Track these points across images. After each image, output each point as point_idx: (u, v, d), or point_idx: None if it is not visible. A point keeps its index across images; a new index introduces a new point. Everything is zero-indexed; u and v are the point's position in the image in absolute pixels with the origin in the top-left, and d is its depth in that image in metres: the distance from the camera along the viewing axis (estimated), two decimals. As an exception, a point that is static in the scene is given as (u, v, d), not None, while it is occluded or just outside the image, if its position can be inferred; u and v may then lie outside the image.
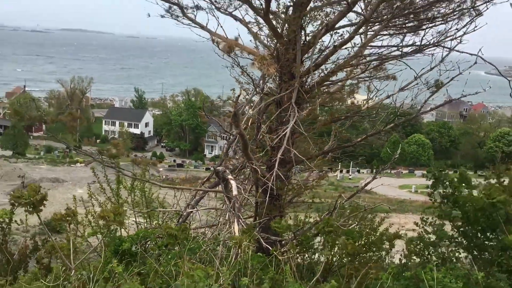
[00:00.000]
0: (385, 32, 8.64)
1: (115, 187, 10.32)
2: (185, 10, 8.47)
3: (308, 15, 8.31)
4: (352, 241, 6.03)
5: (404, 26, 8.54)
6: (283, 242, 7.63)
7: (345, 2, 7.77)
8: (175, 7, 8.57)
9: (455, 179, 7.05)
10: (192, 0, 8.38)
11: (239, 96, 8.23)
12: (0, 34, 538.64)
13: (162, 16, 8.78)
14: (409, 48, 8.44)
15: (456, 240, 6.90)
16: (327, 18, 8.41)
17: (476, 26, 8.01)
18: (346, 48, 8.60)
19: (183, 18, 8.70)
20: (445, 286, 4.89)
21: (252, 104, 9.07)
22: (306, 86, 8.37)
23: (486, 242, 6.61)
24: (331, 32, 8.28)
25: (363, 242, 8.11)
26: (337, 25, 8.18)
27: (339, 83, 9.38)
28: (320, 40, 8.36)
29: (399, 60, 8.69)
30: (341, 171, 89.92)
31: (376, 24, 8.43)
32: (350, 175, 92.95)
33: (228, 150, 9.40)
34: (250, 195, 8.65)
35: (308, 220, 9.10)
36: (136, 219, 9.70)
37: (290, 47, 8.06)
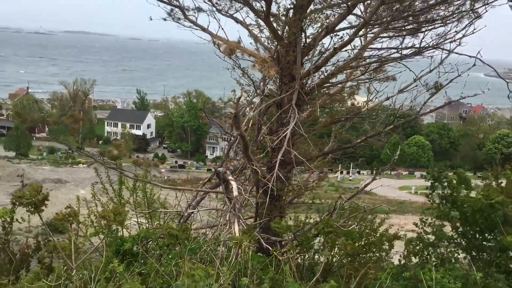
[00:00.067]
0: (384, 34, 8.65)
1: (117, 188, 10.34)
2: (186, 12, 8.49)
3: (309, 18, 8.32)
4: (352, 241, 6.03)
5: (403, 28, 8.56)
6: (283, 243, 7.63)
7: (345, 4, 7.78)
8: (176, 9, 8.60)
9: (454, 180, 7.04)
10: (193, 2, 8.39)
11: (240, 97, 8.24)
12: (3, 36, 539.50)
13: (164, 19, 8.80)
14: (409, 50, 8.45)
15: (455, 241, 6.90)
16: (327, 21, 8.42)
17: (475, 29, 8.02)
18: (346, 50, 8.61)
19: (185, 21, 8.72)
20: (443, 286, 4.89)
21: (252, 106, 9.07)
22: (306, 88, 8.38)
23: (485, 243, 6.60)
24: (331, 34, 8.29)
25: (363, 243, 8.11)
26: (337, 28, 8.20)
27: (339, 85, 9.38)
28: (320, 42, 8.38)
29: (399, 62, 8.70)
30: (341, 172, 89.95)
31: (376, 26, 8.44)
32: (351, 176, 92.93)
33: (229, 151, 9.41)
34: (250, 196, 8.65)
35: (309, 221, 9.10)
36: (138, 219, 9.72)
37: (290, 49, 8.07)
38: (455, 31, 8.09)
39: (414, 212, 48.98)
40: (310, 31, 8.44)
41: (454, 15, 8.07)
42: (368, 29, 8.61)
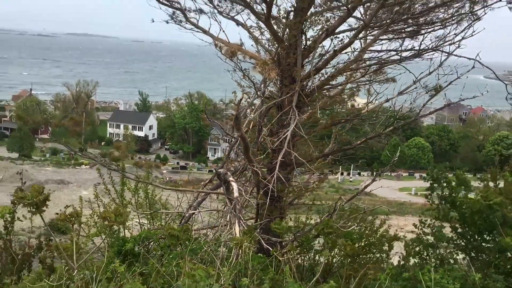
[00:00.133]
0: (384, 37, 8.65)
1: (119, 189, 10.35)
2: (188, 14, 8.50)
3: (309, 20, 8.33)
4: (352, 242, 6.03)
5: (403, 31, 8.56)
6: (283, 243, 7.63)
7: (345, 7, 7.80)
8: (178, 12, 8.61)
9: (453, 181, 7.04)
10: (194, 4, 8.41)
11: (241, 99, 8.26)
12: (7, 38, 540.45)
13: (167, 22, 8.82)
14: (408, 52, 8.45)
15: (454, 242, 6.89)
16: (327, 23, 8.43)
17: (474, 31, 8.02)
18: (346, 53, 8.62)
19: (186, 23, 8.73)
20: (442, 287, 4.88)
21: (253, 108, 9.08)
22: (306, 90, 8.38)
23: (483, 244, 6.60)
24: (331, 37, 8.30)
25: (363, 244, 8.11)
26: (337, 30, 8.21)
27: (339, 87, 9.39)
28: (321, 45, 8.39)
29: (399, 64, 8.70)
30: (342, 174, 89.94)
31: (376, 28, 8.44)
32: (351, 178, 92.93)
33: (230, 153, 9.41)
34: (251, 197, 8.65)
35: (309, 222, 9.10)
36: (140, 220, 9.73)
37: (291, 51, 8.08)
38: (455, 34, 8.09)
39: (414, 213, 48.99)
40: (310, 33, 8.46)
41: (453, 18, 8.07)
42: (368, 32, 8.61)
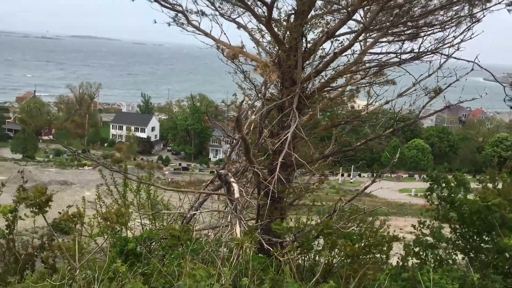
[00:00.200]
0: (384, 39, 8.65)
1: (121, 190, 10.36)
2: (189, 16, 8.52)
3: (309, 23, 8.34)
4: (351, 243, 6.03)
5: (403, 33, 8.56)
6: (284, 244, 7.63)
7: (345, 10, 7.80)
8: (180, 15, 8.63)
9: (452, 182, 7.05)
10: (195, 6, 8.42)
11: (242, 101, 8.27)
12: (11, 40, 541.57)
13: (169, 24, 8.84)
14: (408, 55, 8.45)
15: (454, 242, 6.89)
16: (328, 26, 8.44)
17: (473, 33, 8.02)
18: (346, 55, 8.62)
19: (188, 26, 8.75)
20: (441, 287, 4.88)
21: (254, 109, 9.09)
22: (307, 92, 8.38)
23: (482, 245, 6.59)
24: (332, 39, 8.31)
25: (362, 244, 8.10)
26: (337, 33, 8.21)
27: (340, 89, 9.39)
28: (321, 47, 8.39)
29: (398, 66, 8.70)
30: (342, 175, 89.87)
31: (375, 31, 8.45)
32: (351, 179, 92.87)
33: (231, 154, 9.42)
34: (252, 197, 8.65)
35: (309, 223, 9.10)
36: (142, 220, 9.73)
37: (291, 54, 8.09)
38: (453, 36, 8.09)
39: (414, 214, 48.94)
40: (310, 36, 8.47)
41: (452, 20, 8.07)
42: (368, 34, 8.62)
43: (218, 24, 8.62)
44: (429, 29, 8.22)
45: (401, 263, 6.97)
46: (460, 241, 6.81)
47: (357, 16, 8.13)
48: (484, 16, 7.82)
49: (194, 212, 8.39)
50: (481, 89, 8.34)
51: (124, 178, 9.78)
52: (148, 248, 6.47)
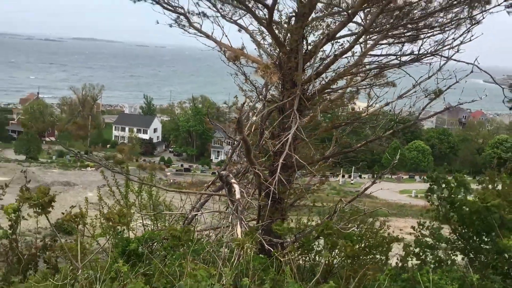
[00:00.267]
0: (384, 41, 8.66)
1: (123, 191, 10.36)
2: (191, 18, 8.54)
3: (310, 25, 8.35)
4: (351, 243, 6.03)
5: (402, 35, 8.57)
6: (284, 244, 7.63)
7: (345, 13, 7.81)
8: (182, 17, 8.65)
9: (452, 182, 7.05)
10: (196, 8, 8.44)
11: (244, 103, 8.27)
12: (15, 43, 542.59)
13: (170, 25, 8.86)
14: (408, 57, 8.46)
15: (453, 243, 6.89)
16: (328, 28, 8.45)
17: (472, 35, 8.02)
18: (346, 57, 8.64)
19: (190, 28, 8.77)
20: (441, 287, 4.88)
21: (255, 111, 9.10)
22: (307, 94, 8.39)
23: (482, 245, 6.59)
24: (332, 41, 8.32)
25: (363, 245, 8.10)
26: (337, 35, 8.23)
27: (340, 91, 9.39)
28: (321, 49, 8.41)
29: (398, 68, 8.71)
30: (343, 176, 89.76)
31: (376, 33, 8.46)
32: (352, 180, 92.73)
33: (232, 155, 9.43)
34: (253, 198, 8.65)
35: (310, 223, 9.10)
36: (144, 221, 9.73)
37: (292, 56, 8.10)
38: (453, 38, 8.10)
39: (414, 215, 48.77)
40: (311, 38, 8.48)
41: (452, 22, 8.07)
42: (368, 36, 8.62)
43: (220, 26, 8.64)
44: (429, 31, 8.23)
45: (400, 264, 6.96)
46: (460, 242, 6.81)
47: (357, 19, 8.15)
48: (483, 18, 7.83)
49: (196, 213, 8.40)
50: (481, 91, 8.33)
51: (125, 179, 9.79)
52: (150, 249, 6.47)
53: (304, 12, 7.96)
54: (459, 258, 6.93)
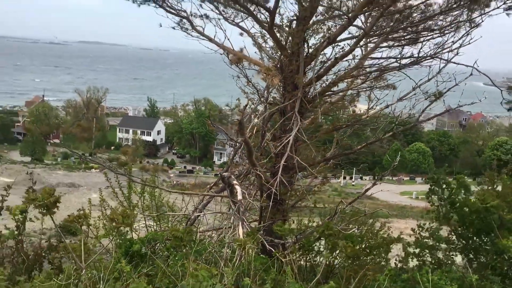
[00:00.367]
0: (384, 44, 8.67)
1: (126, 192, 10.38)
2: (193, 20, 8.56)
3: (311, 29, 8.37)
4: (352, 244, 6.02)
5: (402, 38, 8.57)
6: (286, 245, 7.63)
7: (346, 16, 7.82)
8: (184, 20, 8.68)
9: (452, 183, 7.05)
10: (198, 10, 8.47)
11: (246, 105, 8.29)
12: (21, 46, 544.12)
13: (173, 28, 8.88)
14: (408, 59, 8.46)
15: (453, 243, 6.87)
16: (329, 32, 8.47)
17: (471, 38, 8.02)
18: (347, 60, 8.65)
19: (192, 31, 8.79)
20: (440, 288, 4.87)
21: (257, 113, 9.11)
22: (308, 96, 8.40)
23: (482, 244, 6.58)
24: (333, 44, 8.33)
25: (363, 246, 8.08)
26: (338, 38, 8.23)
27: (341, 93, 9.40)
28: (322, 52, 8.41)
29: (398, 71, 8.71)
30: (344, 178, 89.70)
31: (376, 36, 8.46)
32: (353, 182, 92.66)
33: (234, 157, 9.44)
34: (254, 199, 8.66)
35: (311, 224, 9.09)
36: (147, 222, 9.74)
37: (293, 58, 8.11)
38: (452, 41, 8.10)
39: (415, 216, 48.67)
40: (312, 41, 8.50)
41: (452, 25, 8.07)
42: (368, 40, 8.63)
43: (222, 29, 8.66)
44: (429, 34, 8.23)
45: (400, 265, 6.96)
46: (459, 242, 6.80)
47: (358, 22, 8.16)
48: (482, 21, 7.83)
49: (198, 214, 8.40)
50: (481, 94, 8.33)
51: (128, 181, 9.81)
52: (153, 249, 6.48)
53: (305, 16, 7.97)
54: (458, 258, 6.92)
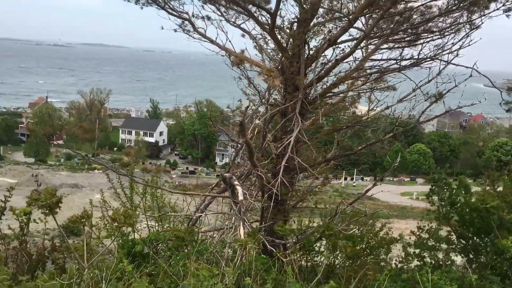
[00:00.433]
0: (384, 46, 8.66)
1: (129, 193, 10.38)
2: (195, 22, 8.57)
3: (312, 31, 8.37)
4: (352, 244, 6.02)
5: (403, 40, 8.57)
6: (286, 245, 7.63)
7: (346, 18, 7.82)
8: (186, 22, 8.69)
9: (453, 184, 7.04)
10: (200, 12, 8.48)
11: (248, 107, 8.29)
12: (25, 48, 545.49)
13: (175, 30, 8.90)
14: (408, 61, 8.46)
15: (453, 243, 6.86)
16: (330, 34, 8.47)
17: (471, 40, 8.02)
18: (347, 62, 8.65)
19: (194, 33, 8.80)
20: (440, 288, 4.86)
21: (258, 115, 9.11)
22: (309, 98, 8.40)
23: (482, 244, 6.57)
24: (333, 46, 8.33)
25: (363, 246, 8.08)
26: (339, 40, 8.24)
27: (341, 95, 9.40)
28: (323, 54, 8.42)
29: (399, 72, 8.70)
30: (345, 179, 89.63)
31: (376, 38, 8.46)
32: (354, 183, 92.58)
33: (235, 158, 9.44)
34: (255, 200, 8.66)
35: (312, 225, 9.08)
36: (148, 222, 9.75)
37: (294, 60, 8.11)
38: (452, 43, 8.09)
39: (415, 217, 48.66)
40: (313, 43, 8.51)
41: (452, 27, 8.07)
42: (368, 41, 8.63)
43: (224, 31, 8.67)
44: (429, 36, 8.22)
45: (399, 265, 6.95)
46: (459, 242, 6.79)
47: (358, 24, 8.17)
48: (482, 22, 7.82)
49: (200, 214, 8.41)
50: (481, 95, 8.32)
51: (130, 182, 9.81)
52: (155, 249, 6.48)
53: (306, 18, 7.98)
54: (458, 259, 6.91)
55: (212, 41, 8.73)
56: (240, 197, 7.00)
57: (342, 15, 8.16)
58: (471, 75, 7.84)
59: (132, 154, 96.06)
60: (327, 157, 9.48)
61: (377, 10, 7.72)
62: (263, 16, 8.19)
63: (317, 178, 10.01)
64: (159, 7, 8.35)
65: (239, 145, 9.15)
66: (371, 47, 8.69)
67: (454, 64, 8.20)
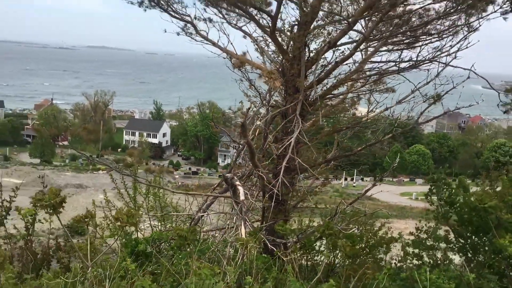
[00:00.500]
0: (384, 48, 8.67)
1: (132, 193, 10.39)
2: (197, 24, 8.60)
3: (312, 33, 8.38)
4: (352, 244, 6.02)
5: (401, 42, 8.58)
6: (287, 245, 7.63)
7: (346, 21, 7.83)
8: (189, 25, 8.71)
9: (452, 184, 7.04)
10: (202, 14, 8.50)
11: (249, 108, 8.30)
12: (31, 51, 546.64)
13: (178, 34, 8.92)
14: (407, 63, 8.46)
15: (451, 243, 6.86)
16: (330, 36, 8.48)
17: (469, 42, 8.02)
18: (347, 64, 8.65)
19: (196, 36, 8.83)
20: (438, 286, 4.86)
21: (259, 116, 9.12)
22: (309, 99, 8.40)
23: (480, 243, 6.56)
24: (333, 49, 8.34)
25: (363, 245, 8.07)
26: (338, 42, 8.24)
27: (341, 96, 9.40)
28: (323, 56, 8.42)
29: (398, 74, 8.71)
30: (345, 179, 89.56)
31: (375, 41, 8.47)
32: (354, 183, 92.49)
33: (237, 159, 9.45)
34: (257, 200, 8.66)
35: (312, 224, 9.08)
36: (151, 222, 9.76)
37: (295, 62, 8.12)
38: (450, 45, 8.09)
39: (415, 217, 48.62)
40: (313, 45, 8.52)
41: (450, 30, 8.07)
42: (368, 44, 8.63)
43: (225, 34, 8.69)
44: (427, 38, 8.23)
45: (398, 264, 6.94)
46: (458, 241, 6.78)
47: (357, 27, 8.17)
48: (480, 25, 7.82)
49: (202, 214, 8.42)
50: (479, 97, 8.31)
51: (133, 182, 9.83)
52: (158, 248, 6.49)
53: (306, 21, 7.99)
54: (456, 258, 6.90)
55: (214, 44, 8.76)
56: (242, 197, 7.01)
57: (342, 18, 8.17)
58: (469, 77, 7.83)
59: (136, 155, 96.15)
60: (327, 157, 9.48)
61: (376, 13, 7.73)
62: (264, 19, 8.21)
63: (318, 179, 10.01)
64: (162, 10, 8.37)
65: (240, 146, 9.16)
66: (371, 49, 8.70)
67: (452, 66, 8.20)
